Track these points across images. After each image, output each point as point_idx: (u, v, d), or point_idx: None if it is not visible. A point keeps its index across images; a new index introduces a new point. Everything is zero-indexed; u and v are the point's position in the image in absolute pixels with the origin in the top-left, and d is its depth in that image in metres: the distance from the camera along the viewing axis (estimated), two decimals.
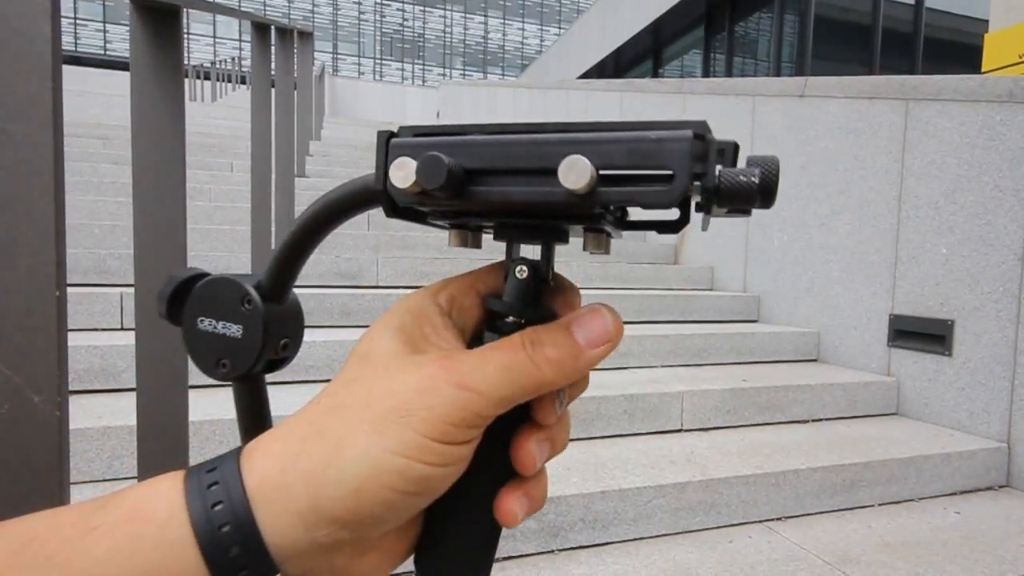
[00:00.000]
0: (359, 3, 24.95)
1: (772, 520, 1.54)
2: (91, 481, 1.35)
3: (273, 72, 2.24)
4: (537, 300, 0.23)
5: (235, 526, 0.19)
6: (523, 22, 27.09)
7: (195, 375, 1.87)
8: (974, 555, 1.39)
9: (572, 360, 0.21)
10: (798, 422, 2.04)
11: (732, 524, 1.50)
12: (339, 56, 24.71)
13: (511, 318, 0.23)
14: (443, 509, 0.23)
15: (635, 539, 1.40)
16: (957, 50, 8.38)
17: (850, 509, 1.62)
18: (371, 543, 0.22)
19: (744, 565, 1.31)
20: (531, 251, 0.23)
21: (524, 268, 0.23)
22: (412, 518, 0.23)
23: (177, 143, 0.83)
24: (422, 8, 25.95)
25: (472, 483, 0.23)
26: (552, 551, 1.33)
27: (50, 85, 0.43)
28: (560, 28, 25.94)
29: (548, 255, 0.23)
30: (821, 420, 2.07)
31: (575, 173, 0.18)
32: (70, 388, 1.65)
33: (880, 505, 1.66)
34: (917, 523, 1.56)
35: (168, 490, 0.19)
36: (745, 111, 2.97)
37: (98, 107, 6.26)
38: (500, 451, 0.23)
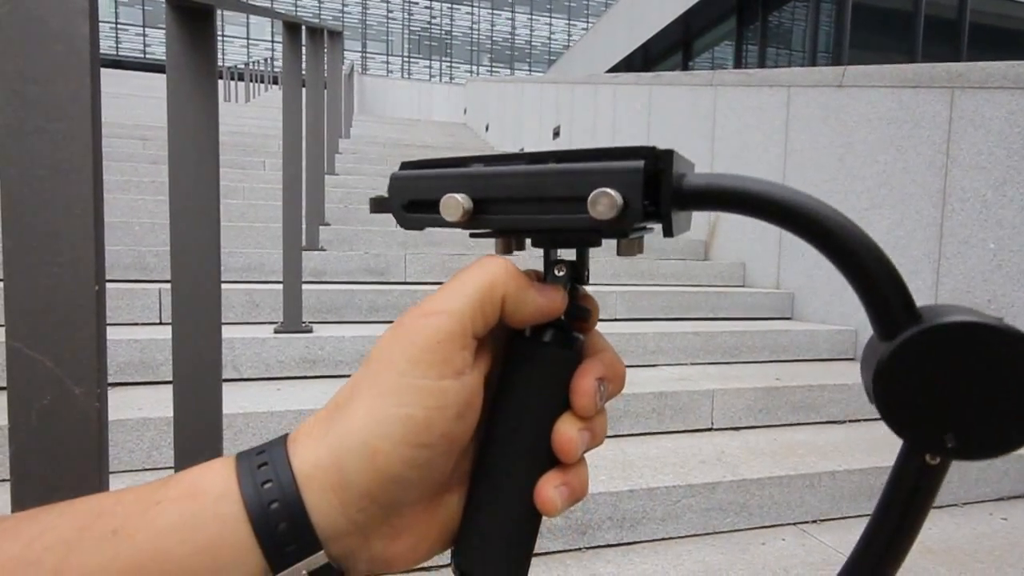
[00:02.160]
0: (387, 2, 25.18)
1: (806, 523, 1.50)
2: (130, 470, 1.39)
3: (304, 71, 2.27)
4: (574, 297, 0.25)
5: (283, 503, 0.20)
6: (551, 17, 26.94)
7: (224, 369, 1.89)
8: (1022, 563, 1.33)
9: (519, 274, 0.22)
10: (834, 422, 1.98)
11: (764, 526, 1.47)
12: (368, 55, 24.99)
13: None
14: (482, 497, 0.23)
15: (664, 539, 1.38)
16: (1005, 36, 8.00)
17: None
18: (404, 524, 0.22)
19: (777, 568, 1.28)
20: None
21: (563, 267, 0.24)
22: (441, 497, 0.23)
23: (211, 142, 0.84)
24: (449, 5, 26.04)
25: (511, 470, 0.23)
26: (579, 549, 1.33)
27: (88, 84, 0.44)
28: (588, 22, 25.70)
29: (583, 256, 0.25)
30: (859, 420, 2.01)
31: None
32: (111, 381, 1.71)
33: None
34: (960, 529, 1.50)
35: (221, 470, 0.21)
36: (779, 103, 2.89)
37: (138, 108, 6.47)
38: (541, 439, 0.23)
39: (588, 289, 0.26)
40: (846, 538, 1.43)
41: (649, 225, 0.23)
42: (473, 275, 0.22)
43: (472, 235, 0.26)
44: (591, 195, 0.20)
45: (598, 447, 0.24)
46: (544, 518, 0.25)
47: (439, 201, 0.23)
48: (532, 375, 0.23)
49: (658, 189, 0.20)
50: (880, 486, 1.52)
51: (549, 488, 0.23)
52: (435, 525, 0.23)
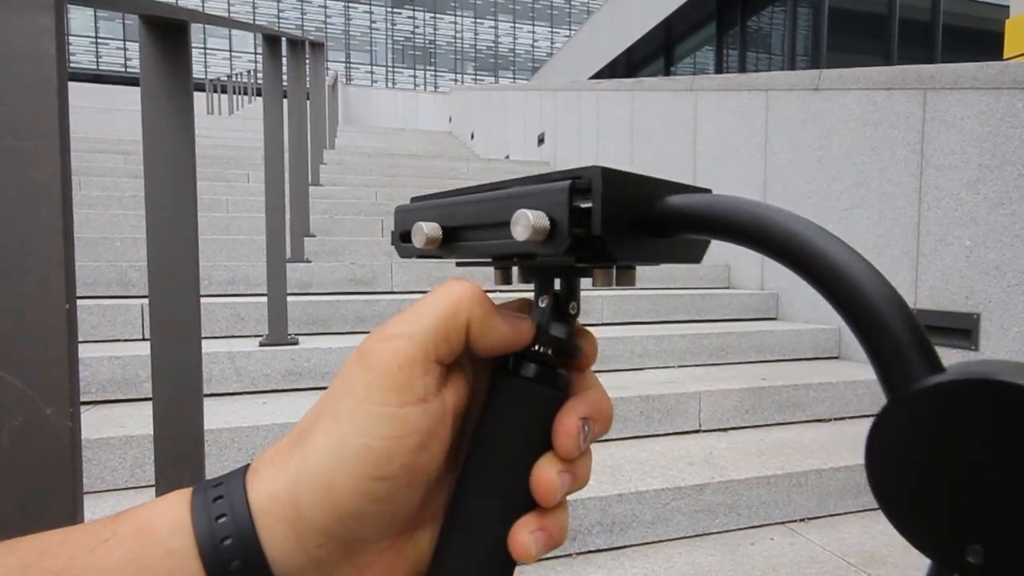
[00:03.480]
0: (370, 12, 25.22)
1: (794, 521, 1.51)
2: (113, 489, 1.37)
3: (285, 83, 2.27)
4: (561, 328, 0.23)
5: (236, 539, 0.19)
6: (533, 25, 27.13)
7: (209, 384, 1.87)
8: None
9: (486, 300, 0.22)
10: (820, 421, 2.00)
11: (753, 526, 1.48)
12: (352, 65, 24.98)
13: (536, 346, 0.23)
14: (453, 538, 0.22)
15: (653, 542, 1.39)
16: (978, 38, 8.19)
17: (875, 509, 1.58)
18: (368, 562, 0.21)
19: (766, 568, 1.28)
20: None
21: (546, 298, 0.23)
22: (410, 534, 0.22)
23: (187, 155, 0.84)
24: (432, 15, 26.14)
25: (486, 512, 0.22)
26: (569, 555, 1.33)
27: (55, 103, 0.44)
28: (571, 30, 25.93)
29: (571, 288, 0.24)
30: (844, 418, 2.03)
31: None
32: (93, 398, 1.68)
33: None
34: None
35: (175, 504, 0.20)
36: (758, 106, 2.94)
37: (120, 123, 6.41)
38: (519, 480, 0.22)
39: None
40: (833, 536, 1.44)
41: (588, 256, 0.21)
42: (437, 298, 0.21)
43: (458, 264, 0.26)
44: (512, 217, 0.19)
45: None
46: None
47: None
48: (512, 412, 0.22)
49: (588, 212, 0.19)
50: (865, 483, 1.52)
51: (524, 533, 0.21)
52: (402, 564, 0.22)
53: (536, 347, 0.23)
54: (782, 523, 1.50)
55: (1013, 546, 0.13)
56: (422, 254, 0.24)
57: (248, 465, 0.21)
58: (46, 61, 0.43)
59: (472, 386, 0.23)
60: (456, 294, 0.21)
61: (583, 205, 0.19)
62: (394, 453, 0.19)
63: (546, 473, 0.21)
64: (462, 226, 0.23)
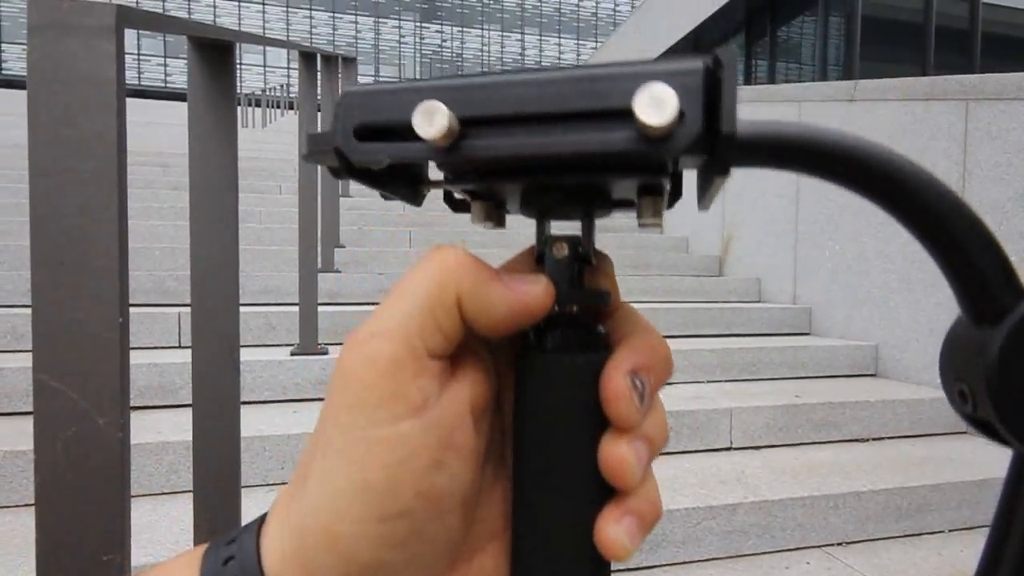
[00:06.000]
0: (399, 27, 25.74)
1: (831, 545, 1.46)
2: (150, 495, 1.40)
3: (319, 97, 2.32)
4: (580, 281, 0.19)
5: None
6: (559, 37, 27.32)
7: (241, 392, 1.90)
8: None
9: (477, 264, 0.17)
10: (857, 440, 1.94)
11: (788, 549, 1.43)
12: (381, 80, 25.51)
13: (558, 307, 0.18)
14: (529, 556, 0.18)
15: (684, 562, 1.36)
16: (1021, 46, 7.94)
17: (917, 535, 1.52)
18: None
19: None
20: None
21: (563, 245, 0.18)
22: (468, 563, 0.19)
23: (231, 170, 0.86)
24: (460, 28, 26.55)
25: (558, 515, 0.18)
26: None
27: (115, 125, 0.45)
28: (597, 42, 26.02)
29: (589, 228, 0.19)
30: (882, 439, 1.96)
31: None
32: (131, 404, 1.73)
33: (951, 531, 1.55)
34: None
35: (186, 566, 0.18)
36: (790, 117, 2.89)
37: (160, 137, 6.64)
38: (584, 468, 0.18)
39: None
40: (873, 561, 1.39)
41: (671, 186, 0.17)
42: (416, 276, 0.17)
43: (446, 199, 0.20)
44: (642, 88, 0.14)
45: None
46: None
47: (407, 122, 0.15)
48: (549, 393, 0.18)
49: (719, 103, 0.14)
50: (907, 507, 1.47)
51: (610, 526, 0.17)
52: None
53: (558, 308, 0.18)
54: (819, 547, 1.45)
55: None
56: (396, 159, 0.16)
57: (266, 515, 0.18)
58: (107, 86, 0.45)
59: (494, 372, 0.19)
60: (436, 265, 0.17)
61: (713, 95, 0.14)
62: (400, 483, 0.16)
63: (614, 451, 0.17)
64: (495, 118, 0.16)
